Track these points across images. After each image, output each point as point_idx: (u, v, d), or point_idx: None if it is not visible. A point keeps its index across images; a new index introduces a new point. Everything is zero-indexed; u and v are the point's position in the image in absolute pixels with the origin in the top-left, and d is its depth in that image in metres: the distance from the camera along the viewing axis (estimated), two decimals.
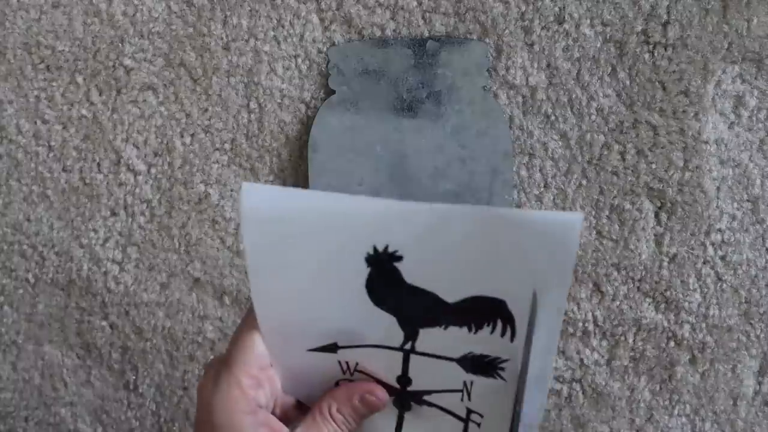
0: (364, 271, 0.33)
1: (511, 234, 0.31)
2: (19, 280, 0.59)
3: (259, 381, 0.35)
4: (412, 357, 0.36)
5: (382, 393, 0.37)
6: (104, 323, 0.58)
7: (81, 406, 0.59)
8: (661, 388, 0.55)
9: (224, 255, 0.57)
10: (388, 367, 0.36)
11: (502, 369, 0.35)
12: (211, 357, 0.58)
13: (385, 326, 0.35)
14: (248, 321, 0.35)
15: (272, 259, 0.33)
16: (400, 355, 0.36)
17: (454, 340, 0.34)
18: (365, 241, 0.33)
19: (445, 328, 0.34)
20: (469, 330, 0.34)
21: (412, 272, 0.33)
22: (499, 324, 0.34)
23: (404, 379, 0.37)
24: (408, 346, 0.35)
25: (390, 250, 0.33)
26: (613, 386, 0.56)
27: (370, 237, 0.33)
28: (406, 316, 0.34)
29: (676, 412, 0.56)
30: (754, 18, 0.53)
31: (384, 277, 0.33)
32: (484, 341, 0.34)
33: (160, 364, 0.58)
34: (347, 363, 0.37)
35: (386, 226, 0.32)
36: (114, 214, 0.58)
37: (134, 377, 0.58)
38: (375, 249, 0.33)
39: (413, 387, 0.37)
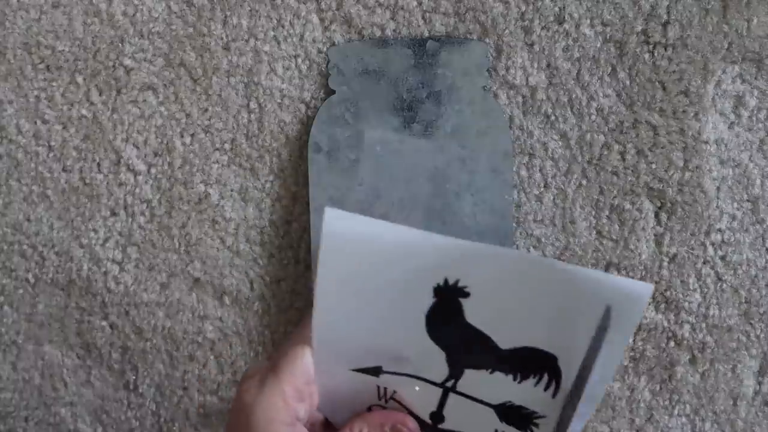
0: (429, 301, 0.34)
1: (579, 292, 0.32)
2: (19, 280, 0.59)
3: (302, 395, 0.35)
4: (451, 395, 0.36)
5: (414, 426, 0.37)
6: (104, 323, 0.58)
7: (81, 406, 0.59)
8: (661, 388, 0.55)
9: (224, 255, 0.57)
10: (424, 400, 0.37)
11: (536, 425, 0.35)
12: (209, 356, 0.58)
13: (433, 360, 0.35)
14: (299, 334, 0.36)
15: (343, 280, 0.34)
16: (439, 391, 0.36)
17: (496, 385, 0.35)
18: (438, 272, 0.33)
19: (491, 372, 0.35)
20: (514, 378, 0.35)
21: (474, 312, 0.34)
22: (545, 378, 0.34)
23: (438, 416, 0.37)
24: (450, 384, 0.36)
25: (460, 285, 0.33)
26: (613, 386, 0.56)
27: (443, 270, 0.33)
28: (456, 353, 0.35)
29: (676, 412, 0.56)
30: (754, 18, 0.53)
31: (446, 310, 0.34)
32: (526, 392, 0.35)
33: (160, 364, 0.58)
34: (385, 389, 0.37)
35: (463, 264, 0.33)
36: (114, 214, 0.58)
37: (134, 377, 0.58)
38: (446, 281, 0.33)
39: (444, 425, 0.37)
